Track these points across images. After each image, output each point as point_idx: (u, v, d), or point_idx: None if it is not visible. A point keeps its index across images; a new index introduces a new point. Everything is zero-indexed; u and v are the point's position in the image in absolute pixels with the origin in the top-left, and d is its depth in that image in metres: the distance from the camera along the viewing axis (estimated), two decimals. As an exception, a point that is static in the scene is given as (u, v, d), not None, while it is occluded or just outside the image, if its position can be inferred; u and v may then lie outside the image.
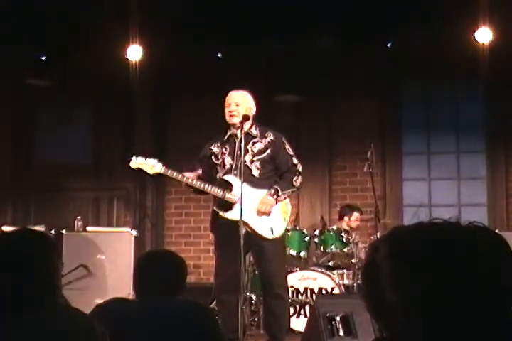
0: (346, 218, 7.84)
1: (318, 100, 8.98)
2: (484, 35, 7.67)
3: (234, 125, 5.29)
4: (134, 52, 8.19)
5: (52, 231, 7.24)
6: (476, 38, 7.72)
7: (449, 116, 9.03)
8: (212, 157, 5.38)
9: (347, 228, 7.66)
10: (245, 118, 5.24)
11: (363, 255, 7.07)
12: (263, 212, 5.21)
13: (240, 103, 5.32)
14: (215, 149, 5.37)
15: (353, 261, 7.12)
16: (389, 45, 8.49)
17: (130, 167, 5.37)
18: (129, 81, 8.33)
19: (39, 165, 9.65)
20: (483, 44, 7.72)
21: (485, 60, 7.67)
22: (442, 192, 8.95)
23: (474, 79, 8.30)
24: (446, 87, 8.97)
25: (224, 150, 5.31)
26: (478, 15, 7.49)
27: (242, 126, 5.22)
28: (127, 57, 8.22)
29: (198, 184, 5.27)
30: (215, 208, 5.34)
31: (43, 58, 8.95)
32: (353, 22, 7.89)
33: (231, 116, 5.29)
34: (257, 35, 8.14)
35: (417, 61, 8.54)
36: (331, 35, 8.31)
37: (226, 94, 5.47)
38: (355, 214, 7.86)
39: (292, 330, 5.71)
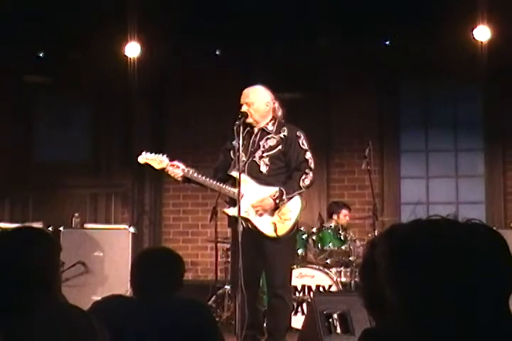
0: (335, 216, 7.72)
1: (316, 97, 8.98)
2: (483, 33, 7.68)
3: (250, 124, 5.28)
4: (133, 50, 8.19)
5: (50, 228, 7.23)
6: (475, 36, 7.72)
7: (447, 113, 9.04)
8: (231, 152, 5.36)
9: (326, 225, 7.56)
10: (243, 115, 5.23)
11: (360, 253, 7.07)
12: (256, 211, 5.19)
13: (252, 102, 5.27)
14: (235, 144, 5.34)
15: (351, 258, 7.12)
16: (387, 42, 8.50)
17: (137, 162, 5.40)
18: (128, 78, 8.33)
19: (37, 162, 9.65)
20: (481, 42, 7.72)
21: (483, 58, 7.68)
22: (440, 189, 8.96)
23: (472, 77, 8.30)
24: (445, 85, 8.97)
25: (239, 146, 5.26)
26: (476, 13, 7.49)
27: (241, 123, 5.18)
28: (126, 54, 8.22)
29: (202, 178, 5.26)
30: (226, 203, 5.37)
31: (41, 55, 8.95)
32: (352, 20, 7.88)
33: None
34: (256, 34, 8.14)
35: (415, 59, 8.54)
36: (329, 34, 8.31)
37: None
38: (344, 211, 7.76)
39: (290, 328, 5.70)
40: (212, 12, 7.90)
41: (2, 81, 9.23)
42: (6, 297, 2.27)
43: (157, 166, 5.35)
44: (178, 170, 5.28)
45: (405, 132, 9.12)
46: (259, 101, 5.30)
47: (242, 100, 5.30)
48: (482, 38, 7.71)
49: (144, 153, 5.41)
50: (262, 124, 5.31)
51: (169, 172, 5.32)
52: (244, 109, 5.26)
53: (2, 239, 2.43)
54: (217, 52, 8.81)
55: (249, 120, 5.26)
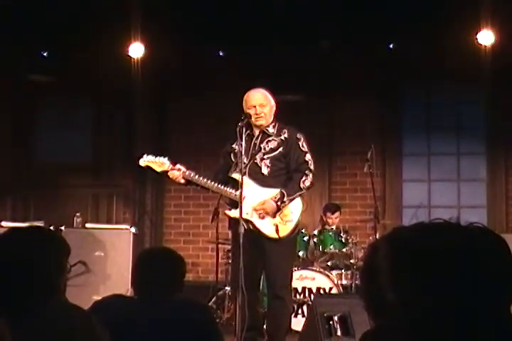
0: (324, 217, 7.78)
1: (318, 100, 8.98)
2: (486, 38, 7.67)
3: (261, 126, 5.29)
4: (136, 50, 8.20)
5: (51, 228, 7.23)
6: (479, 40, 7.72)
7: (450, 117, 9.03)
8: (232, 154, 5.37)
9: (327, 227, 7.62)
10: (246, 116, 5.24)
11: (361, 255, 7.07)
12: (259, 214, 5.20)
13: (265, 104, 5.30)
14: (236, 147, 5.34)
15: (352, 261, 7.13)
16: (391, 46, 8.49)
17: (138, 164, 5.40)
18: (131, 78, 8.34)
19: (39, 162, 9.65)
20: (485, 46, 7.72)
21: (487, 62, 7.68)
22: (442, 193, 8.95)
23: (475, 81, 8.30)
24: (447, 88, 8.96)
25: (241, 148, 5.26)
26: (480, 17, 7.49)
27: (244, 125, 5.20)
28: (129, 54, 8.22)
29: (203, 181, 5.27)
30: (227, 205, 5.38)
31: (44, 55, 8.95)
32: (354, 22, 7.88)
33: (258, 118, 5.27)
34: (258, 35, 8.14)
35: (418, 62, 8.54)
36: (331, 35, 8.31)
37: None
38: (328, 214, 7.75)
39: (290, 330, 5.70)
40: (215, 13, 7.91)
41: (4, 80, 9.23)
42: (7, 296, 2.27)
43: (158, 169, 5.35)
44: (179, 172, 5.29)
45: (407, 135, 9.12)
46: (270, 104, 5.34)
47: (255, 103, 5.28)
48: (486, 42, 7.70)
49: (145, 155, 5.41)
50: (263, 126, 5.33)
51: (170, 175, 5.32)
52: (259, 110, 5.25)
53: (10, 237, 2.42)
54: (220, 53, 8.82)
55: (262, 122, 5.27)
